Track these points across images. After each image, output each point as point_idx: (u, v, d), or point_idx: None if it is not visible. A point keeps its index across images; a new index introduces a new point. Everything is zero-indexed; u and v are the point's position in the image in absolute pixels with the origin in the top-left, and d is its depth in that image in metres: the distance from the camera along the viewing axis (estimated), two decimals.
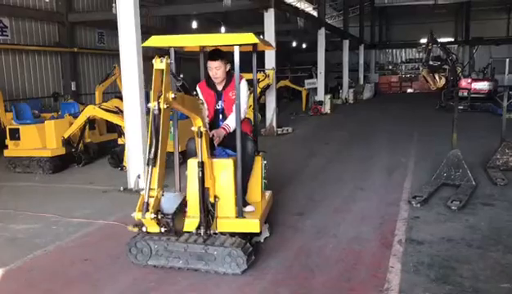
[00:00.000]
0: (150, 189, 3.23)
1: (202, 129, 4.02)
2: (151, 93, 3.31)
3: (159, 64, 3.31)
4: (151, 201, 3.19)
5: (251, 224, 4.47)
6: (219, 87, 4.79)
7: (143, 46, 4.31)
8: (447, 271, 4.15)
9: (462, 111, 15.34)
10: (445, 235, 5.03)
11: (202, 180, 4.16)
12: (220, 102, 4.79)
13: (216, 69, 4.63)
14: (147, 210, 3.15)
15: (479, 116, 16.57)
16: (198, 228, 4.22)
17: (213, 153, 4.47)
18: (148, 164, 3.27)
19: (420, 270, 4.19)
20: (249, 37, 4.25)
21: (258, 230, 4.52)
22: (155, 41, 4.34)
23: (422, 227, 5.35)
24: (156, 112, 3.25)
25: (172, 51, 4.58)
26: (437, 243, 4.81)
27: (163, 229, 3.23)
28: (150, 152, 3.27)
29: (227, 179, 4.44)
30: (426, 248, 4.69)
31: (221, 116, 4.80)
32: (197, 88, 4.80)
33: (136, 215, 3.16)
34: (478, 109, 18.23)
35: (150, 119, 3.28)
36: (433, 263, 4.32)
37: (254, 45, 4.57)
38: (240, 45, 4.34)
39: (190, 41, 4.67)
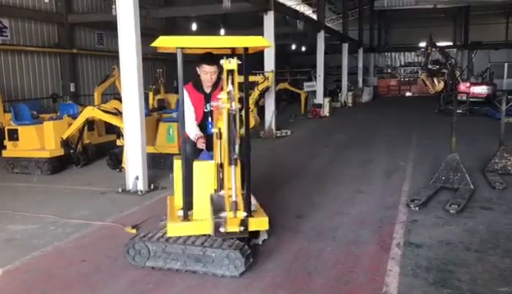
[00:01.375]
0: (236, 188, 3.32)
1: (223, 130, 3.99)
2: (223, 94, 3.38)
3: (229, 64, 3.35)
4: (239, 200, 3.30)
5: (261, 222, 4.52)
6: (207, 90, 4.79)
7: (152, 47, 4.23)
8: (445, 275, 4.15)
9: (461, 115, 15.37)
10: (443, 239, 5.03)
11: (222, 182, 4.14)
12: (208, 105, 4.76)
13: (211, 74, 4.65)
14: (237, 209, 3.21)
15: (478, 120, 16.61)
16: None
17: (198, 156, 4.51)
18: (231, 164, 3.33)
19: (419, 274, 4.19)
20: (259, 40, 4.25)
21: (267, 227, 4.59)
22: (164, 41, 4.20)
23: (420, 230, 5.35)
24: (234, 112, 3.32)
25: (179, 53, 4.37)
26: (435, 247, 4.81)
27: (241, 228, 3.31)
28: (234, 151, 3.32)
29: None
30: (424, 251, 4.69)
31: (210, 118, 4.77)
32: (184, 90, 4.67)
33: (229, 214, 3.22)
34: (476, 113, 18.27)
35: (228, 119, 3.33)
36: (431, 266, 4.32)
37: (246, 48, 4.53)
38: (248, 47, 4.36)
39: (199, 42, 4.48)
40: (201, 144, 4.57)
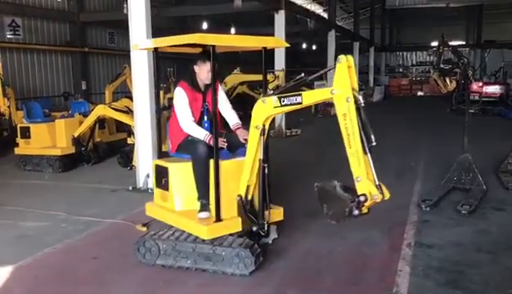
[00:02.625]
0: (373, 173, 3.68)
1: (267, 127, 4.09)
2: (338, 90, 3.68)
3: (346, 61, 3.74)
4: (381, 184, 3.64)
5: (278, 213, 4.73)
6: (202, 89, 4.72)
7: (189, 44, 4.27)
8: (456, 276, 4.11)
9: (473, 115, 15.16)
10: (454, 239, 4.99)
11: (265, 177, 4.23)
12: (204, 103, 4.70)
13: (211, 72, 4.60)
14: (381, 191, 3.62)
15: (490, 120, 16.40)
16: (257, 224, 4.29)
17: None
18: (366, 152, 3.69)
19: (429, 274, 4.16)
20: (278, 41, 4.99)
21: (282, 218, 4.77)
22: (200, 38, 4.15)
23: (431, 231, 5.31)
24: (363, 104, 3.65)
25: (211, 50, 4.29)
26: (446, 247, 4.78)
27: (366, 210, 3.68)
28: (369, 141, 3.71)
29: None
30: (435, 252, 4.66)
31: (206, 117, 4.70)
32: (179, 89, 4.63)
33: (379, 196, 3.65)
34: (489, 113, 18.06)
35: (355, 113, 3.64)
36: (442, 267, 4.29)
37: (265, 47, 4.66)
38: (267, 47, 4.61)
39: (231, 41, 4.62)
40: (222, 144, 4.47)
